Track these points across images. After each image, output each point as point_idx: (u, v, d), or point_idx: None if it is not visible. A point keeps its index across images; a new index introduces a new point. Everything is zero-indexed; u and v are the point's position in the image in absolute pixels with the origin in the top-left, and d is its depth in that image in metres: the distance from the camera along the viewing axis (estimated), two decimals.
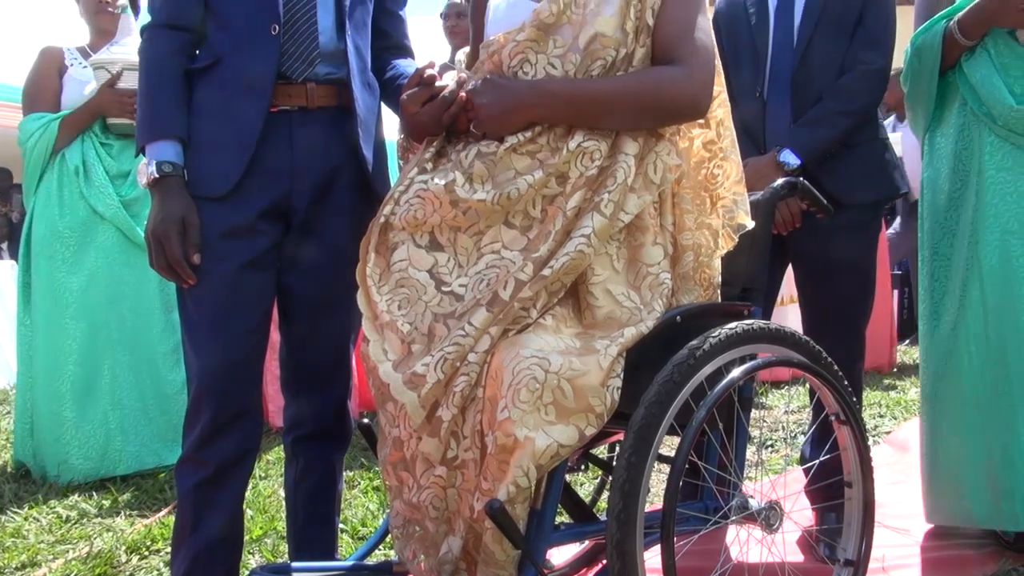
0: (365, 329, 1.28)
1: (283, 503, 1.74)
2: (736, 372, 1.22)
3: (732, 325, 1.25)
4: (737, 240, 1.41)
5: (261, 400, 1.53)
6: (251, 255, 1.44)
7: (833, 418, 1.41)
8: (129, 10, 2.56)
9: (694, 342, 1.20)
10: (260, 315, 1.48)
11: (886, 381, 3.97)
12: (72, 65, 2.64)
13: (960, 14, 1.72)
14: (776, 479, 1.61)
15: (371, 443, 1.45)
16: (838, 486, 1.45)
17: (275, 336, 1.67)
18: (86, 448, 2.54)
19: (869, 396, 3.50)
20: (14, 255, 5.12)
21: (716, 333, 1.22)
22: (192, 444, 1.44)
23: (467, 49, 1.54)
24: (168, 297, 2.60)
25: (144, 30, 1.49)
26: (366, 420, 1.55)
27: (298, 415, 1.58)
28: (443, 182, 1.26)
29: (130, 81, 2.44)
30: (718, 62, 1.38)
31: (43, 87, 2.62)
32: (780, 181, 1.51)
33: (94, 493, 2.47)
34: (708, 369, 1.20)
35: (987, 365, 1.71)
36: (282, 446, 1.70)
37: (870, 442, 1.74)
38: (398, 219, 1.29)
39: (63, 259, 2.54)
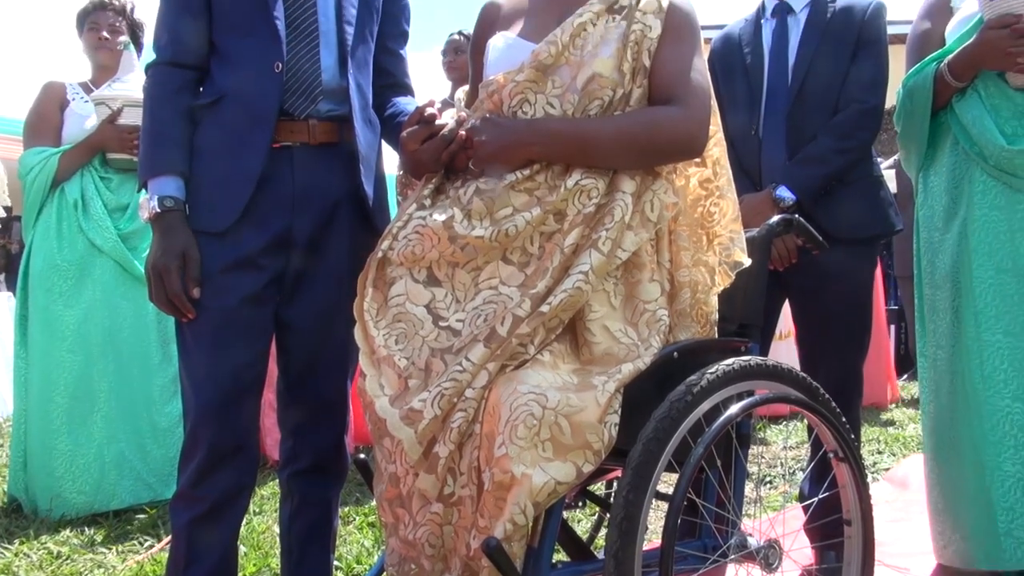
0: (362, 364, 1.28)
1: (277, 539, 1.72)
2: (734, 409, 1.22)
3: (729, 361, 1.25)
4: (734, 277, 1.42)
5: (258, 435, 1.53)
6: (251, 290, 1.44)
7: (831, 455, 1.40)
8: (131, 47, 2.60)
9: (691, 378, 1.20)
10: (259, 350, 1.48)
11: (884, 416, 3.96)
12: (74, 100, 2.67)
13: (950, 57, 1.75)
14: (775, 516, 1.59)
15: (367, 478, 1.44)
16: (837, 524, 1.44)
17: (272, 367, 1.67)
18: (79, 482, 2.52)
19: (867, 432, 3.49)
20: (12, 287, 5.11)
21: (713, 369, 1.22)
22: (188, 480, 1.43)
23: (466, 87, 1.56)
24: (165, 330, 2.60)
25: (149, 67, 1.52)
26: (362, 455, 1.54)
27: (294, 450, 1.58)
28: (442, 218, 1.27)
29: (130, 117, 2.46)
30: (714, 102, 1.41)
31: (44, 121, 2.64)
32: (776, 218, 1.53)
33: (86, 528, 2.44)
34: (706, 405, 1.20)
35: (982, 404, 1.71)
36: (277, 481, 1.69)
37: (869, 479, 1.74)
38: (396, 254, 1.29)
39: (60, 292, 2.54)
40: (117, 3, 2.65)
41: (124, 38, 2.64)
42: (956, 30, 1.81)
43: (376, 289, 1.30)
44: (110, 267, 2.56)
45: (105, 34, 2.62)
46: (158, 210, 1.42)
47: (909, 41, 1.93)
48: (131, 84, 2.52)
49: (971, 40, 1.71)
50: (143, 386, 2.60)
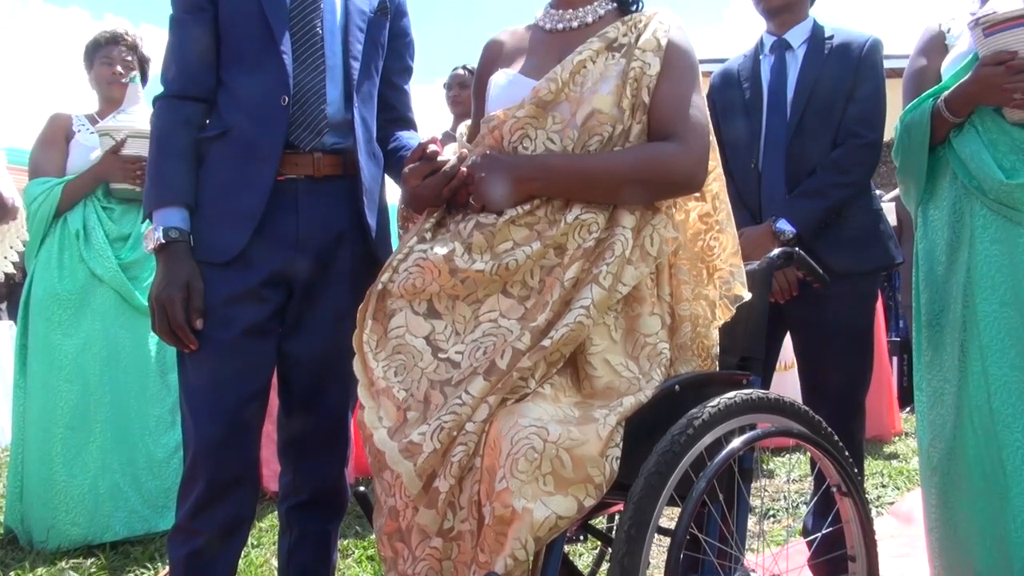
0: (360, 395, 1.28)
1: (276, 573, 1.70)
2: (736, 442, 1.21)
3: (731, 394, 1.24)
4: (734, 311, 1.42)
5: (258, 467, 1.52)
6: (253, 321, 1.45)
7: (835, 489, 1.39)
8: (137, 79, 2.64)
9: (693, 412, 1.20)
10: (260, 382, 1.48)
11: (888, 450, 3.93)
12: (79, 131, 2.70)
13: (947, 92, 1.77)
14: (779, 551, 1.58)
15: (366, 511, 1.43)
16: (842, 560, 1.43)
17: (273, 398, 1.66)
18: (74, 513, 2.49)
19: (871, 465, 3.46)
20: (13, 316, 5.12)
21: (715, 403, 1.22)
22: (186, 513, 1.42)
23: (468, 122, 1.58)
24: (164, 360, 2.59)
25: (156, 100, 1.54)
26: (362, 488, 1.53)
27: (294, 483, 1.57)
28: (443, 252, 1.27)
29: (134, 148, 2.49)
30: (712, 137, 1.42)
31: (50, 152, 2.67)
32: (776, 251, 1.53)
33: (82, 560, 2.41)
34: (708, 439, 1.19)
35: (992, 438, 1.70)
36: (276, 513, 1.68)
37: (873, 514, 1.72)
38: (396, 287, 1.30)
39: (60, 321, 2.54)
40: (129, 38, 2.70)
41: (134, 72, 2.68)
42: (952, 66, 1.83)
43: (376, 321, 1.31)
44: (110, 297, 2.57)
45: (119, 69, 2.66)
46: (162, 241, 1.43)
47: (905, 77, 1.95)
48: (136, 116, 2.55)
49: (967, 76, 1.73)
50: (140, 417, 2.58)
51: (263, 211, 1.45)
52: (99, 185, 2.60)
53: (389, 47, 1.67)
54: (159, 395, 2.61)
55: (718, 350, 1.39)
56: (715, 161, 1.43)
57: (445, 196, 1.35)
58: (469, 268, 1.26)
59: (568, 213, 1.29)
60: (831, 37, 2.02)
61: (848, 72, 1.97)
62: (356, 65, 1.56)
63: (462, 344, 1.24)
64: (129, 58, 2.70)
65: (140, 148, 2.47)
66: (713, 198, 1.45)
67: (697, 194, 1.41)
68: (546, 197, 1.31)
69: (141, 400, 2.59)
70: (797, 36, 2.05)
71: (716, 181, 1.45)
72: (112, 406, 2.54)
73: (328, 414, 1.56)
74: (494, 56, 1.50)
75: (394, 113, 1.71)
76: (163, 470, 2.58)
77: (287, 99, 1.48)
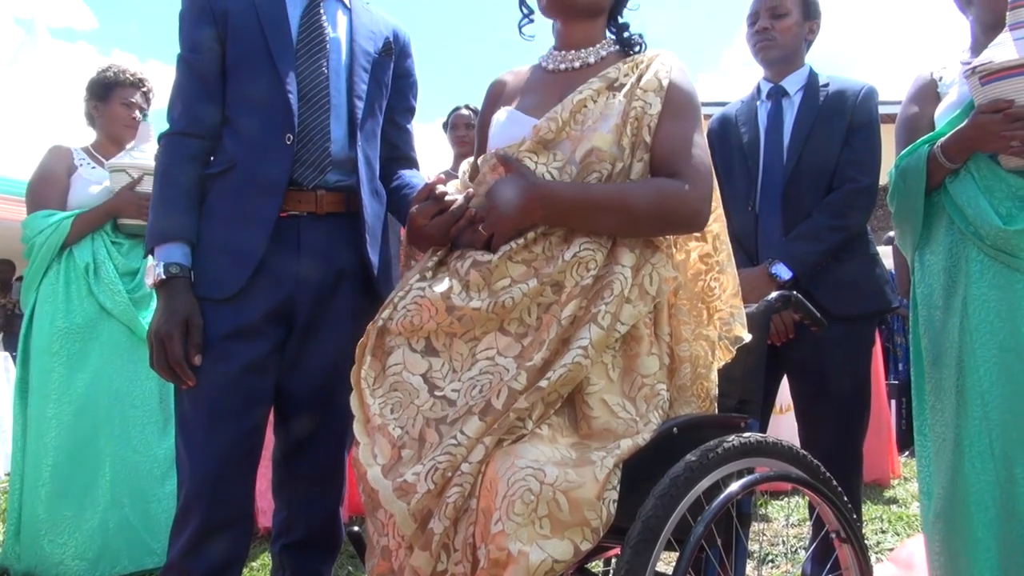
0: (356, 432, 1.27)
1: None
2: (734, 487, 1.20)
3: (729, 438, 1.24)
4: (735, 352, 1.42)
5: (253, 506, 1.50)
6: (252, 357, 1.45)
7: (833, 535, 1.38)
8: (148, 117, 2.67)
9: (691, 455, 1.19)
10: (258, 418, 1.47)
11: (887, 494, 3.89)
12: (81, 165, 2.71)
13: (943, 139, 1.79)
14: None
15: (360, 552, 1.41)
16: None
17: (269, 434, 1.65)
18: (83, 548, 2.45)
19: (870, 510, 3.43)
20: (9, 348, 5.08)
21: (713, 446, 1.21)
22: (178, 551, 1.40)
23: (471, 159, 1.59)
24: (166, 393, 2.58)
25: (162, 136, 1.56)
26: (356, 528, 1.51)
27: (288, 521, 1.55)
28: (440, 290, 1.28)
29: (148, 185, 2.51)
30: (714, 179, 1.43)
31: (51, 185, 2.67)
32: (774, 294, 1.54)
33: None
34: (706, 483, 1.18)
35: (995, 483, 1.68)
36: (268, 552, 1.66)
37: (873, 560, 1.70)
38: (395, 324, 1.30)
39: (68, 356, 2.52)
40: (147, 86, 2.76)
41: (146, 111, 2.73)
42: (946, 114, 1.86)
43: (374, 358, 1.30)
44: (118, 330, 2.55)
45: (138, 115, 2.70)
46: (163, 276, 1.44)
47: (898, 124, 1.98)
48: (148, 154, 2.58)
49: (964, 123, 1.75)
50: (148, 450, 2.56)
51: (265, 248, 1.46)
52: (110, 220, 2.61)
53: (393, 87, 1.69)
54: (167, 429, 2.58)
55: (717, 392, 1.39)
56: (716, 202, 1.44)
57: (452, 235, 1.35)
58: (466, 306, 1.26)
59: (567, 250, 1.29)
60: (827, 85, 2.07)
61: (843, 118, 2.00)
62: (360, 104, 1.58)
63: (458, 382, 1.24)
64: (144, 105, 2.76)
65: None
66: (714, 239, 1.45)
67: (698, 234, 1.42)
68: (544, 231, 1.31)
69: (151, 434, 2.56)
70: (793, 83, 2.10)
71: (717, 222, 1.46)
72: (122, 440, 2.51)
73: (325, 452, 1.55)
74: (497, 96, 1.52)
75: (397, 151, 1.73)
76: (173, 503, 2.54)
77: (292, 137, 1.50)
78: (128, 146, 2.64)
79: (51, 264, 2.60)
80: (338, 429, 1.55)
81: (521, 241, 1.30)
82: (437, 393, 1.23)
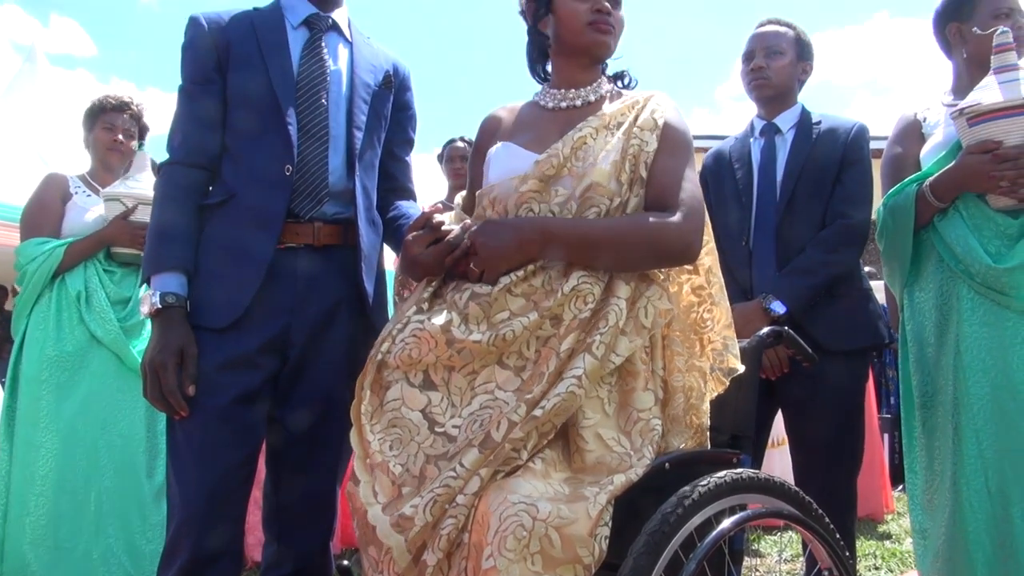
0: (356, 468, 1.26)
1: None
2: (726, 523, 1.20)
3: (721, 474, 1.24)
4: (728, 383, 1.43)
5: (242, 540, 1.49)
6: (246, 388, 1.44)
7: (826, 573, 1.37)
8: (144, 147, 2.67)
9: (683, 491, 1.19)
10: (249, 450, 1.46)
11: (880, 529, 3.87)
12: (76, 193, 2.70)
13: (931, 178, 1.82)
14: None
15: None
16: None
17: (260, 465, 1.64)
18: None
19: (863, 546, 3.41)
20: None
21: (705, 482, 1.21)
22: None
23: (464, 192, 1.60)
24: (154, 424, 2.55)
25: (161, 167, 1.57)
26: (346, 562, 1.50)
27: (278, 555, 1.53)
28: (439, 322, 1.28)
29: (144, 215, 2.50)
30: (706, 214, 1.45)
31: (46, 213, 2.66)
32: (765, 329, 1.55)
33: None
34: (697, 519, 1.18)
35: (992, 521, 1.68)
36: None
37: None
38: (393, 357, 1.30)
39: (56, 384, 2.49)
40: (135, 108, 2.74)
41: (135, 142, 2.72)
42: (933, 154, 1.89)
43: (373, 392, 1.30)
44: (108, 359, 2.52)
45: (120, 137, 2.70)
46: (159, 306, 1.44)
47: (883, 164, 2.01)
48: (144, 183, 2.57)
49: (953, 164, 1.78)
50: (136, 481, 2.52)
51: (262, 279, 1.46)
52: (103, 248, 2.60)
53: (392, 119, 1.71)
54: (155, 460, 2.55)
55: (709, 423, 1.39)
56: (708, 236, 1.46)
57: (447, 264, 1.36)
58: (466, 339, 1.26)
59: (565, 283, 1.30)
60: (819, 122, 2.10)
61: (835, 155, 2.03)
62: (359, 135, 1.60)
63: (459, 418, 1.24)
64: (131, 128, 2.73)
65: (148, 215, 2.50)
66: (707, 272, 1.47)
67: (690, 267, 1.44)
68: (543, 264, 1.32)
69: (138, 465, 2.53)
70: (786, 121, 2.13)
71: (709, 256, 1.47)
72: (108, 469, 2.46)
73: (316, 485, 1.54)
74: (493, 130, 1.54)
75: (394, 183, 1.74)
76: (159, 534, 2.50)
77: (291, 168, 1.51)
78: (125, 175, 2.64)
79: (43, 292, 2.58)
80: (330, 462, 1.54)
81: (521, 273, 1.31)
82: (437, 429, 1.23)
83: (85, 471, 2.46)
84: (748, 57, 2.15)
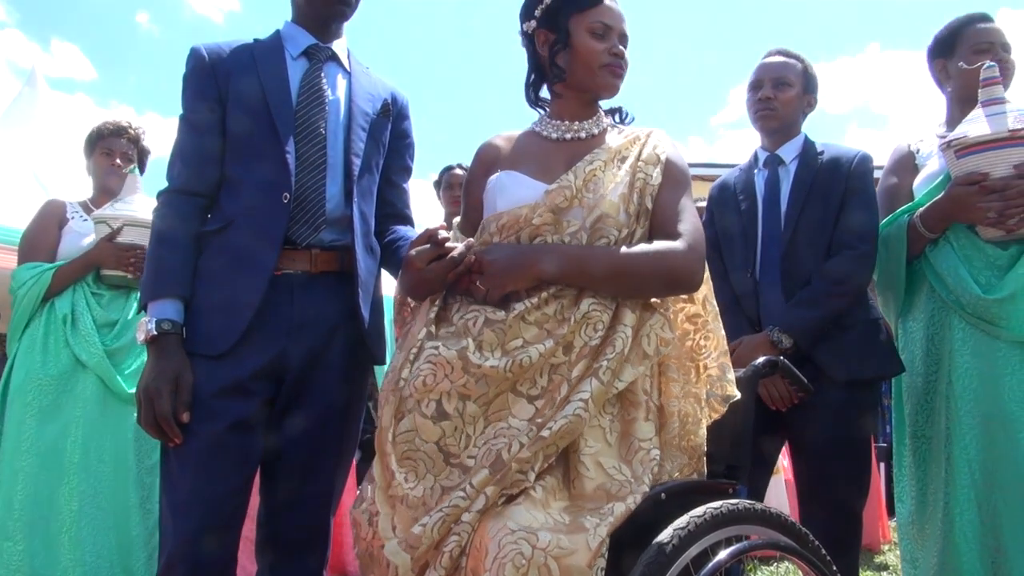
0: (377, 500, 1.24)
1: None
2: (722, 555, 1.19)
3: (717, 504, 1.23)
4: (724, 410, 1.43)
5: (235, 567, 1.47)
6: (241, 415, 1.44)
7: None
8: (136, 170, 2.66)
9: (679, 521, 1.18)
10: (244, 478, 1.45)
11: (878, 560, 3.84)
12: (72, 218, 2.70)
13: (922, 209, 1.85)
14: None
15: None
16: None
17: (253, 497, 1.63)
18: None
19: None
20: None
21: (701, 513, 1.20)
22: None
23: (458, 219, 1.61)
24: (142, 451, 2.52)
25: (160, 194, 1.58)
26: None
27: None
28: (455, 349, 1.27)
29: (130, 236, 2.50)
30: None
31: (42, 238, 2.67)
32: (761, 359, 1.55)
33: None
34: (694, 551, 1.17)
35: (986, 552, 1.68)
36: None
37: None
38: (408, 386, 1.28)
39: (39, 407, 2.47)
40: (132, 131, 2.75)
41: (133, 164, 2.73)
42: (924, 185, 1.92)
43: (396, 420, 1.28)
44: (94, 384, 2.50)
45: (118, 161, 2.71)
46: (154, 333, 1.44)
47: (878, 194, 2.04)
48: (134, 205, 2.56)
49: (941, 195, 1.81)
50: (115, 508, 2.49)
51: (259, 306, 1.46)
52: (91, 271, 2.60)
53: (390, 147, 1.72)
54: (136, 488, 2.52)
55: (705, 448, 1.39)
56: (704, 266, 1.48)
57: (450, 280, 1.35)
58: (483, 364, 1.25)
59: (577, 310, 1.31)
60: (822, 152, 2.11)
61: (839, 186, 2.03)
62: (357, 162, 1.61)
63: (474, 447, 1.24)
64: (130, 151, 2.74)
65: (136, 236, 2.50)
66: (702, 301, 1.48)
67: (686, 296, 1.45)
68: (555, 292, 1.33)
69: (118, 492, 2.50)
70: (789, 152, 2.13)
71: (704, 285, 1.49)
72: (87, 496, 2.44)
73: (310, 513, 1.53)
74: (491, 158, 1.54)
75: (392, 209, 1.75)
76: (134, 562, 2.47)
77: (288, 196, 1.52)
78: (115, 197, 2.63)
79: (33, 315, 2.58)
80: (325, 488, 1.53)
81: (535, 300, 1.32)
82: (453, 461, 1.23)
83: (63, 497, 2.42)
84: (755, 87, 2.15)
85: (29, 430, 2.46)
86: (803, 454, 2.03)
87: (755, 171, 2.17)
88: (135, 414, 2.43)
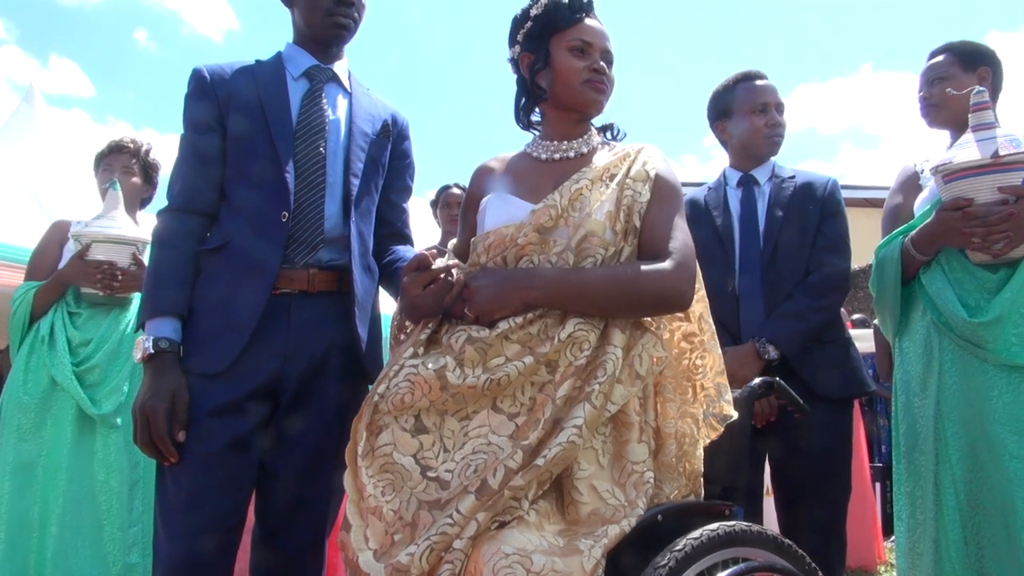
0: (348, 512, 1.25)
1: None
2: None
3: (714, 526, 1.24)
4: (721, 429, 1.43)
5: None
6: (236, 434, 1.43)
7: None
8: (117, 186, 2.58)
9: (676, 543, 1.18)
10: (239, 497, 1.45)
11: None
12: (72, 237, 2.71)
13: (913, 232, 1.87)
14: None
15: None
16: None
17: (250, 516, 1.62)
18: None
19: None
20: None
21: (697, 535, 1.21)
22: None
23: (453, 241, 1.62)
24: (130, 473, 2.49)
25: (160, 213, 1.58)
26: None
27: None
28: (434, 367, 1.28)
29: (99, 253, 2.47)
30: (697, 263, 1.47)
31: (44, 257, 2.66)
32: (757, 380, 1.56)
33: None
34: (691, 573, 1.17)
35: (969, 572, 1.68)
36: None
37: None
38: (386, 402, 1.29)
39: (18, 427, 2.43)
40: (131, 145, 2.74)
41: (136, 179, 2.71)
42: (922, 206, 1.94)
43: (369, 434, 1.29)
44: (69, 405, 2.45)
45: (116, 176, 2.70)
46: (151, 351, 1.44)
47: (884, 213, 2.09)
48: (116, 221, 2.53)
49: (930, 219, 1.83)
50: (95, 531, 2.43)
51: (256, 325, 1.47)
52: (67, 289, 2.55)
53: (390, 167, 1.73)
54: (118, 511, 2.47)
55: (702, 469, 1.39)
56: (699, 284, 1.48)
57: (446, 304, 1.36)
58: (461, 384, 1.26)
59: (561, 330, 1.31)
60: (793, 176, 2.18)
61: (814, 208, 2.11)
62: (356, 182, 1.62)
63: (451, 462, 1.23)
64: (130, 165, 2.73)
65: (107, 253, 2.47)
66: (698, 319, 1.48)
67: (681, 314, 1.45)
68: (540, 312, 1.33)
69: (96, 515, 2.44)
70: (762, 174, 2.21)
71: (700, 303, 1.49)
72: (63, 520, 2.37)
73: (305, 532, 1.52)
74: (485, 181, 1.56)
75: (391, 229, 1.76)
76: None
77: (287, 215, 1.53)
78: (97, 214, 2.60)
79: (24, 335, 2.56)
80: (320, 509, 1.53)
81: (519, 320, 1.32)
82: (430, 474, 1.22)
83: (39, 519, 2.38)
84: (763, 109, 2.18)
85: (9, 449, 2.43)
86: (782, 472, 2.05)
87: (727, 189, 2.21)
88: (113, 433, 2.42)
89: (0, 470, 2.43)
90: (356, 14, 1.67)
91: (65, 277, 2.54)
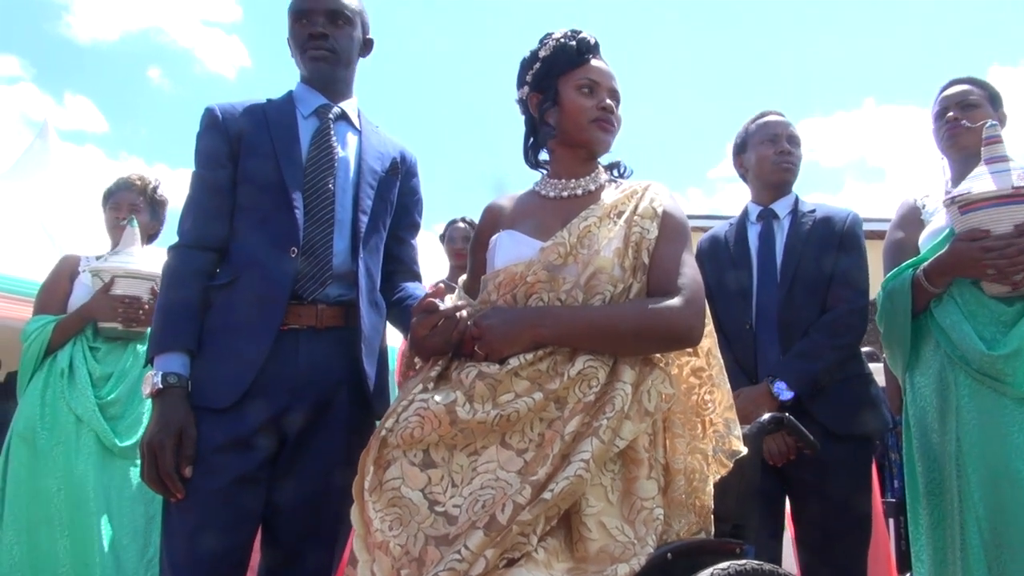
0: (355, 547, 1.24)
1: None
2: None
3: (724, 565, 1.22)
4: (731, 465, 1.42)
5: None
6: (243, 470, 1.43)
7: None
8: (135, 223, 2.65)
9: None
10: (245, 534, 1.44)
11: None
12: (84, 271, 2.72)
13: (925, 264, 1.86)
14: None
15: None
16: None
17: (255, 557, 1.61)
18: None
19: None
20: None
21: (708, 574, 1.19)
22: None
23: (464, 277, 1.62)
24: (145, 501, 2.49)
25: (171, 248, 1.60)
26: None
27: None
28: (444, 402, 1.28)
29: (123, 287, 2.51)
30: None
31: (53, 291, 2.69)
32: (766, 416, 1.55)
33: None
34: None
35: None
36: None
37: None
38: (395, 436, 1.29)
39: (32, 459, 2.44)
40: (139, 182, 2.78)
41: (144, 216, 2.75)
42: (929, 240, 1.93)
43: (377, 467, 1.29)
44: (88, 438, 2.47)
45: (125, 213, 2.74)
46: (160, 386, 1.44)
47: (885, 248, 2.06)
48: (134, 256, 2.58)
49: (944, 250, 1.82)
50: (113, 564, 2.43)
51: (264, 360, 1.47)
52: (88, 324, 2.59)
53: (398, 203, 1.75)
54: (131, 546, 2.46)
55: (712, 504, 1.38)
56: (707, 319, 1.48)
57: (454, 340, 1.36)
58: (471, 418, 1.26)
59: (571, 367, 1.31)
60: (813, 210, 2.17)
61: (833, 242, 2.09)
62: (364, 219, 1.63)
63: (460, 497, 1.22)
64: (137, 202, 2.77)
65: (128, 288, 2.51)
66: (706, 354, 1.48)
67: (690, 349, 1.45)
68: (550, 349, 1.33)
69: (112, 549, 2.45)
70: (783, 207, 2.19)
71: (708, 338, 1.49)
72: (76, 553, 2.37)
73: (312, 569, 1.50)
74: (494, 218, 1.58)
75: (400, 265, 1.77)
76: None
77: (296, 251, 1.54)
78: (114, 249, 2.65)
79: (36, 368, 2.58)
80: (326, 545, 1.51)
81: (529, 357, 1.32)
82: (438, 509, 1.21)
83: (56, 553, 2.37)
84: (774, 140, 2.21)
85: (23, 482, 2.43)
86: (803, 508, 2.02)
87: (747, 224, 2.22)
88: (132, 467, 2.42)
89: (14, 500, 2.43)
90: (332, 45, 1.67)
91: (88, 312, 2.57)
